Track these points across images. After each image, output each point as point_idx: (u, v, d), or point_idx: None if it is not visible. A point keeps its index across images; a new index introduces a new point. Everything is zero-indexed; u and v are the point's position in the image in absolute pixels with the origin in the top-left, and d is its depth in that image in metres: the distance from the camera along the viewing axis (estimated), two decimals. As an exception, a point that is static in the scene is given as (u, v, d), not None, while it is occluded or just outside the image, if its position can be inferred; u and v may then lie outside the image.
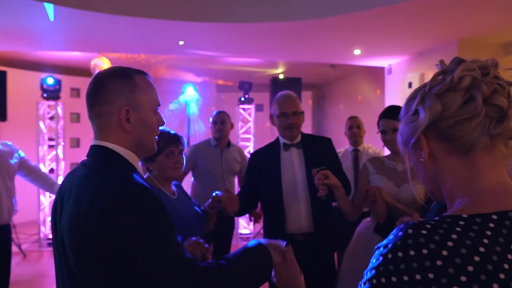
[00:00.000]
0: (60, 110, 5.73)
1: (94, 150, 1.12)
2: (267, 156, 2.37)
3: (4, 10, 3.51)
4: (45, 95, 5.55)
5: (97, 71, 4.37)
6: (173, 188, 1.95)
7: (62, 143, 5.79)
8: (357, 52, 4.94)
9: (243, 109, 6.34)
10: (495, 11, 3.50)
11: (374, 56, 5.30)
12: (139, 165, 1.17)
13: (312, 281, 2.33)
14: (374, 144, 3.84)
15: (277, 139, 2.41)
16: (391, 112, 2.11)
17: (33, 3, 3.28)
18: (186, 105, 7.37)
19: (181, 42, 4.50)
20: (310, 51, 5.14)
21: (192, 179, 3.60)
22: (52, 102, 5.62)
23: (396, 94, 5.54)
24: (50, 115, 5.73)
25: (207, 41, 4.56)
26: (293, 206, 2.26)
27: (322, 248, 2.31)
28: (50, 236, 5.57)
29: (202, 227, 1.97)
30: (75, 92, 7.45)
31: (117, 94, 1.10)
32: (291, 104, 2.27)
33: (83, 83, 6.73)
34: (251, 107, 6.29)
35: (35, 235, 5.59)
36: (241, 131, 6.25)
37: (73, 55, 5.93)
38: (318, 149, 2.35)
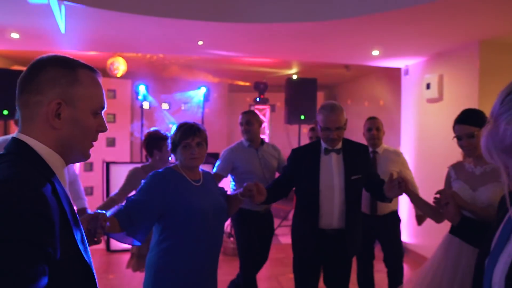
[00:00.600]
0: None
1: (12, 144, 0.96)
2: (308, 156, 2.55)
3: (22, 10, 3.55)
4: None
5: (113, 70, 4.37)
6: (201, 176, 2.08)
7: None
8: (375, 53, 4.87)
9: (258, 109, 6.33)
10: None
11: (392, 57, 5.22)
12: (63, 170, 1.01)
13: (330, 275, 2.58)
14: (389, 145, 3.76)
15: (319, 141, 2.59)
16: (466, 118, 2.17)
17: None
18: (197, 105, 7.38)
19: (200, 42, 4.49)
20: (328, 52, 5.09)
21: (233, 183, 3.57)
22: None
23: (413, 96, 5.45)
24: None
25: (226, 42, 4.54)
26: (328, 205, 2.45)
27: (348, 244, 2.49)
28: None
29: (222, 217, 2.08)
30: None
31: (51, 84, 0.96)
32: (335, 119, 2.44)
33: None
34: (266, 107, 6.27)
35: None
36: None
37: (90, 55, 5.99)
38: (356, 156, 2.55)
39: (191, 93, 7.55)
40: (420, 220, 3.42)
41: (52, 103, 0.96)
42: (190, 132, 1.96)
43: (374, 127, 3.50)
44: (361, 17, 3.57)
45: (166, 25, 3.87)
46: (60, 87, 0.97)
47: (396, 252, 3.34)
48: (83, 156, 1.05)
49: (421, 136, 5.28)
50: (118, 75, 5.79)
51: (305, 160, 2.54)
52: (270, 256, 3.64)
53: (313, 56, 5.40)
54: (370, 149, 3.51)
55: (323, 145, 2.54)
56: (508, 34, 4.02)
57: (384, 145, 3.58)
